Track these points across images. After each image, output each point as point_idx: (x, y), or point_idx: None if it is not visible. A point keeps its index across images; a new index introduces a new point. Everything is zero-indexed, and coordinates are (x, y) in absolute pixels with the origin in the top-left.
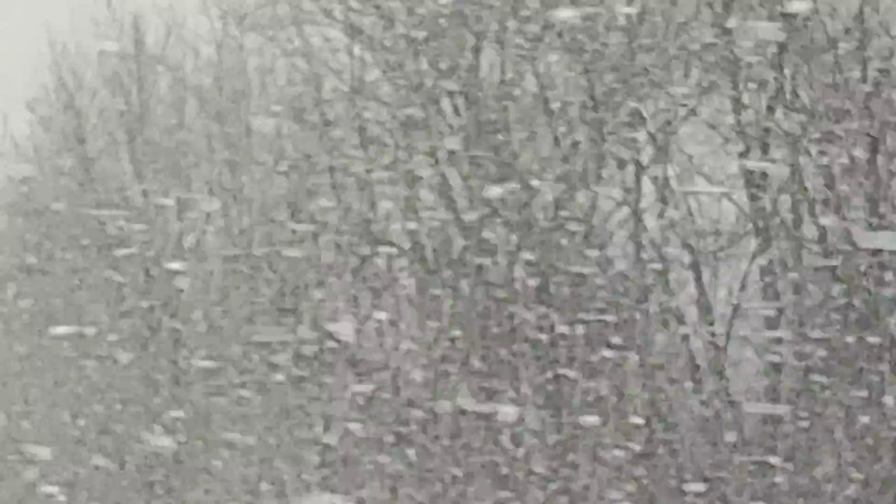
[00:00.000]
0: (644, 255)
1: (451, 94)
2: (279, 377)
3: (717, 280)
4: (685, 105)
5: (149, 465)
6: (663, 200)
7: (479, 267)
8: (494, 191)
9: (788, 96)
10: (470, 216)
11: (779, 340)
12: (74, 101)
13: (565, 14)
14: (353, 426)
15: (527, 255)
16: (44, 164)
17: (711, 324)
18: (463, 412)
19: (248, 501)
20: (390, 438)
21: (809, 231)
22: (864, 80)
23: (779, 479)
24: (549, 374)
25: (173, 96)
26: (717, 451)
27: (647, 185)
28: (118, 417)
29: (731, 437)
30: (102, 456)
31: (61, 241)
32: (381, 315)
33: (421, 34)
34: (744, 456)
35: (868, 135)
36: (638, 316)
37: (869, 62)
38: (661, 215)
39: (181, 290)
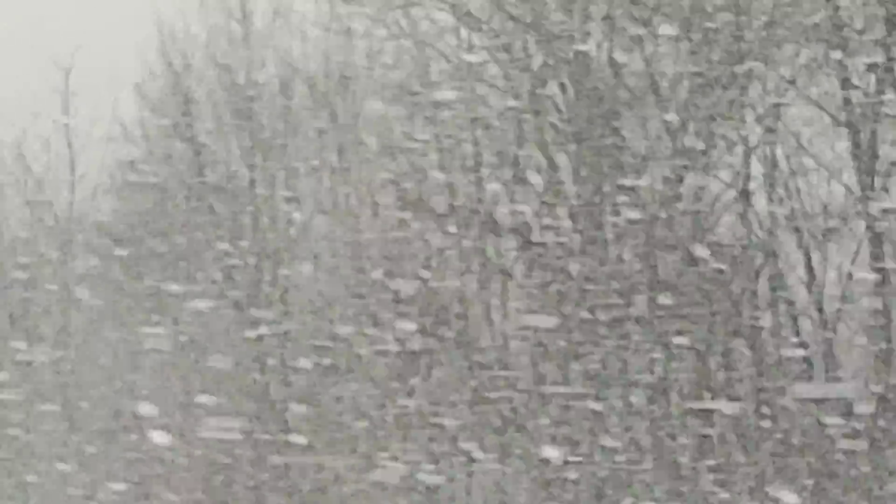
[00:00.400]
0: (753, 237)
1: (558, 75)
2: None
3: (826, 261)
4: (794, 84)
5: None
6: (772, 181)
7: (588, 250)
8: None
9: None
10: (578, 199)
11: (887, 321)
12: (182, 85)
13: None
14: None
15: (636, 239)
16: (152, 147)
17: (821, 305)
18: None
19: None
20: (497, 422)
21: None
22: None
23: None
24: (656, 357)
25: (281, 79)
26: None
27: (756, 166)
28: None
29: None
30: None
31: (170, 225)
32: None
33: (528, 15)
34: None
35: None
36: (747, 297)
37: None
38: (770, 196)
39: (288, 275)
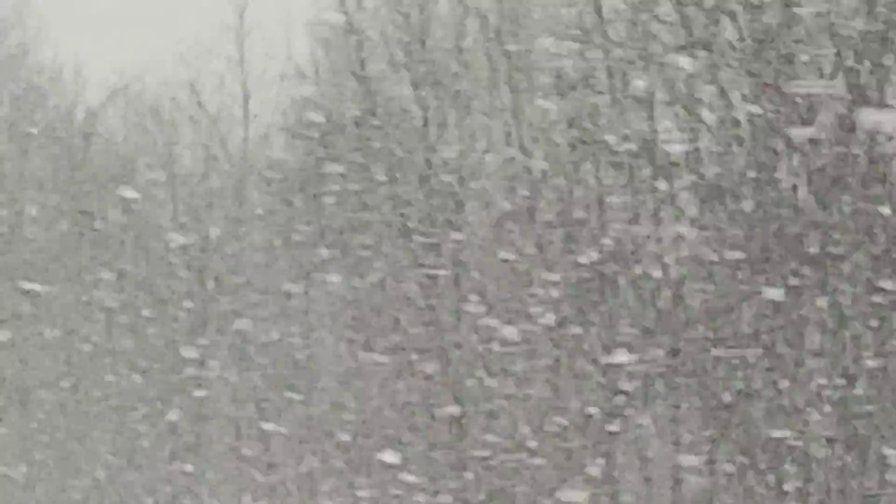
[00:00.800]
0: None
1: (732, 12)
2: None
3: None
4: None
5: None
6: None
7: (761, 188)
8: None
9: None
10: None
11: None
12: (354, 22)
13: None
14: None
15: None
16: (325, 85)
17: None
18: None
19: None
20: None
21: None
22: None
23: None
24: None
25: (453, 17)
26: None
27: None
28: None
29: None
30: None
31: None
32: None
33: None
34: None
35: None
36: None
37: None
38: None
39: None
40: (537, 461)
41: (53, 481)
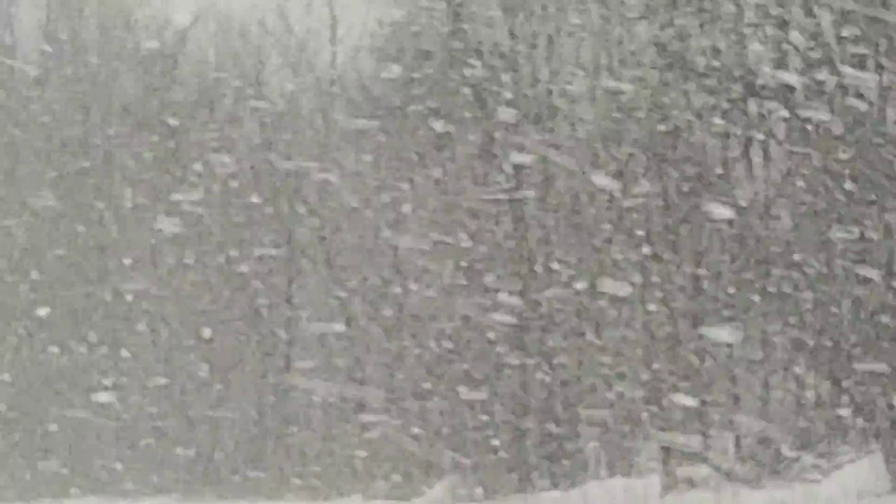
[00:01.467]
0: None
1: None
2: None
3: None
4: None
5: None
6: None
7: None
8: None
9: None
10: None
11: None
12: None
13: None
14: None
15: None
16: (413, 7)
17: None
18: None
19: None
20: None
21: None
22: None
23: None
24: None
25: None
26: None
27: None
28: None
29: None
30: None
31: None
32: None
33: None
34: None
35: None
36: None
37: None
38: None
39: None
40: None
41: None
